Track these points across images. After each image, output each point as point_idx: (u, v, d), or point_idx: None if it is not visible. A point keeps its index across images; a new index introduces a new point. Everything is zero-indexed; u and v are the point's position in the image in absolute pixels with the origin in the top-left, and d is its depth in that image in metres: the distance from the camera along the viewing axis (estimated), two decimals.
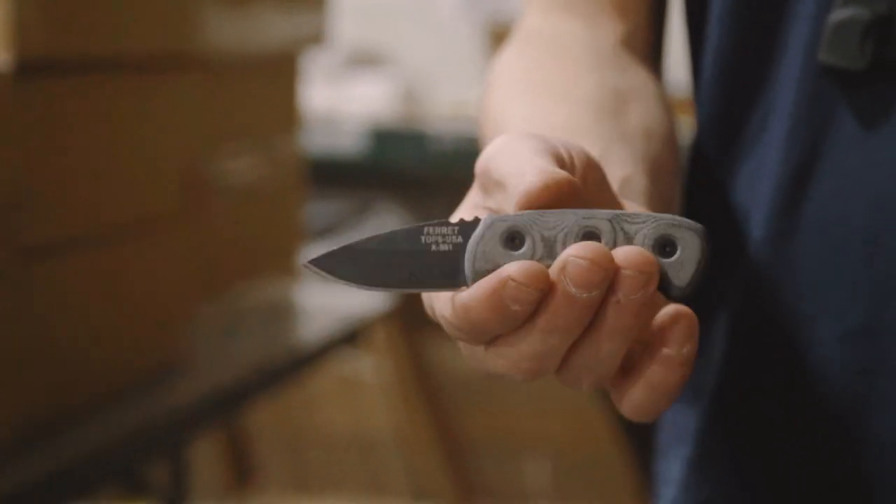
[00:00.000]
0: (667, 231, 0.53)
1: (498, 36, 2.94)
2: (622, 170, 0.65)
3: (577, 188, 0.54)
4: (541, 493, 2.60)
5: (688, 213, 0.80)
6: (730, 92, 0.75)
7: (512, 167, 0.55)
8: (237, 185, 1.62)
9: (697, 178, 0.79)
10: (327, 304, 1.84)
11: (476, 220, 0.54)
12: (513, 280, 0.52)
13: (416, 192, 2.85)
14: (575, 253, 0.51)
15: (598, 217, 0.53)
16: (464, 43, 3.21)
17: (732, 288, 0.75)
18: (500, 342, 0.54)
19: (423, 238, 0.54)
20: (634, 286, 0.51)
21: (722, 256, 0.75)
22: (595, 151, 0.64)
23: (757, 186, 0.74)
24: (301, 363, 1.69)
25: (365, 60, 3.18)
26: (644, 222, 0.53)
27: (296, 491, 2.66)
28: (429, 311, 0.57)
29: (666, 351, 0.54)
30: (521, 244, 0.53)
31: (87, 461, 1.27)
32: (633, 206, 0.61)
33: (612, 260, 0.51)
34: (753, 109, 0.74)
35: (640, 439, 2.45)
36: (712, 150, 0.77)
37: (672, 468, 0.80)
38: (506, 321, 0.53)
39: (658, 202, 0.67)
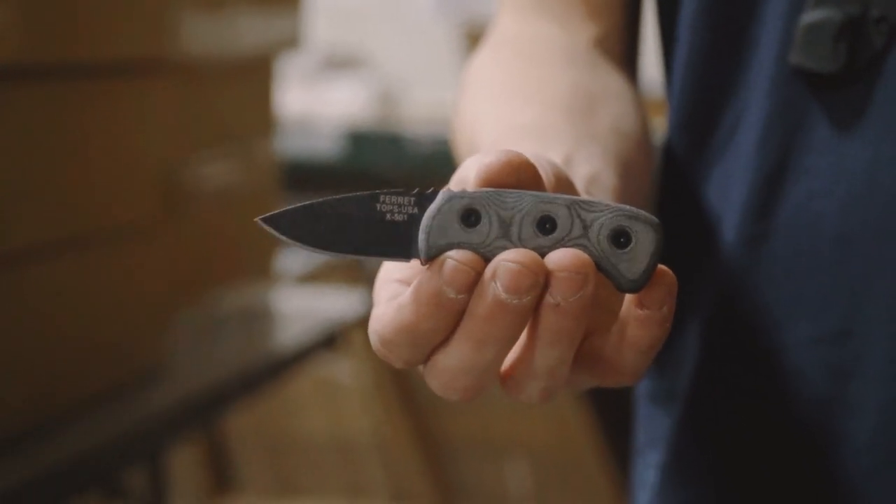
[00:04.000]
0: (623, 223, 0.53)
1: (474, 38, 2.94)
2: (590, 166, 0.64)
3: (538, 175, 0.54)
4: (521, 495, 2.60)
5: (659, 215, 0.80)
6: (701, 95, 0.75)
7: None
8: (214, 190, 1.62)
9: (669, 180, 0.79)
10: (305, 307, 1.84)
11: (434, 192, 0.53)
12: (451, 258, 0.51)
13: None
14: (505, 257, 0.51)
15: (557, 203, 0.52)
16: (440, 45, 3.21)
17: (705, 292, 0.75)
18: (434, 358, 0.54)
19: (378, 206, 0.53)
20: (572, 287, 0.51)
21: (695, 260, 0.75)
22: (563, 150, 0.64)
23: (729, 190, 0.73)
24: (280, 367, 1.68)
25: (341, 63, 3.18)
26: (601, 212, 0.52)
27: (275, 495, 2.66)
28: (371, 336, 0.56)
29: (645, 311, 0.53)
30: (478, 222, 0.52)
31: (67, 468, 1.26)
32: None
33: (542, 265, 0.51)
34: (725, 112, 0.74)
35: (620, 441, 2.46)
36: (684, 153, 0.76)
37: (647, 473, 0.80)
38: (439, 315, 0.52)
39: (628, 201, 0.66)
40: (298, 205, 0.54)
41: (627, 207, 0.53)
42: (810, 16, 0.69)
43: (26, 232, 1.26)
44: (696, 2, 0.74)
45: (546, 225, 0.53)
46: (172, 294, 1.51)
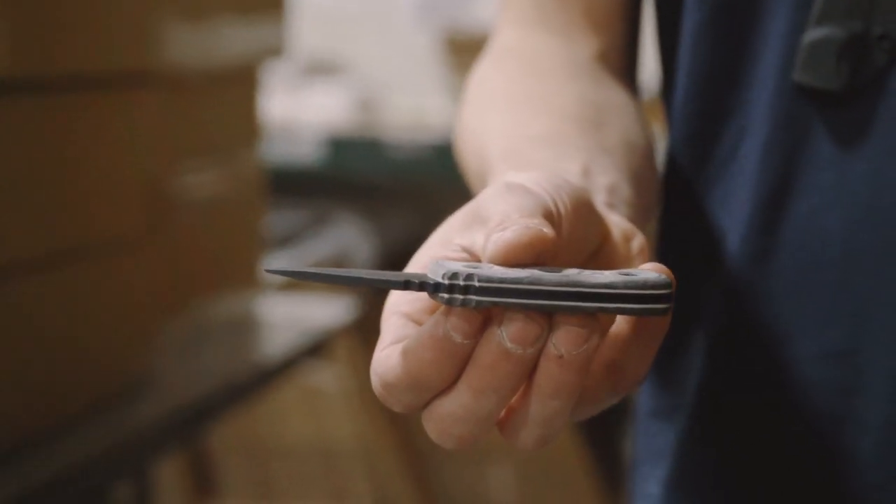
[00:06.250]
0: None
1: (455, 44, 2.93)
2: (608, 178, 0.65)
3: (555, 247, 0.53)
4: (504, 501, 2.60)
5: (664, 230, 0.80)
6: (703, 111, 0.74)
7: (500, 207, 0.54)
8: (200, 200, 1.61)
9: (673, 194, 0.78)
10: (290, 316, 1.83)
11: (438, 286, 0.52)
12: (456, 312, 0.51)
13: (375, 200, 2.84)
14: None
15: (564, 307, 0.52)
16: (421, 51, 3.21)
17: (710, 307, 0.74)
18: (433, 404, 0.53)
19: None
20: (577, 340, 0.51)
21: (700, 275, 0.75)
22: (580, 160, 0.65)
23: (733, 206, 0.73)
24: (265, 377, 1.68)
25: (322, 69, 3.17)
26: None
27: (259, 502, 2.65)
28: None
29: None
30: None
31: (52, 483, 1.25)
32: (620, 219, 0.61)
33: (548, 316, 0.51)
34: (727, 129, 0.74)
35: (604, 449, 2.45)
36: (687, 169, 0.76)
37: (648, 486, 0.80)
38: (444, 361, 0.52)
39: (641, 213, 0.67)
40: (298, 270, 0.53)
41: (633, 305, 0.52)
42: (813, 33, 0.69)
43: (9, 245, 1.25)
44: (697, 18, 0.74)
45: None
46: (158, 305, 1.51)
